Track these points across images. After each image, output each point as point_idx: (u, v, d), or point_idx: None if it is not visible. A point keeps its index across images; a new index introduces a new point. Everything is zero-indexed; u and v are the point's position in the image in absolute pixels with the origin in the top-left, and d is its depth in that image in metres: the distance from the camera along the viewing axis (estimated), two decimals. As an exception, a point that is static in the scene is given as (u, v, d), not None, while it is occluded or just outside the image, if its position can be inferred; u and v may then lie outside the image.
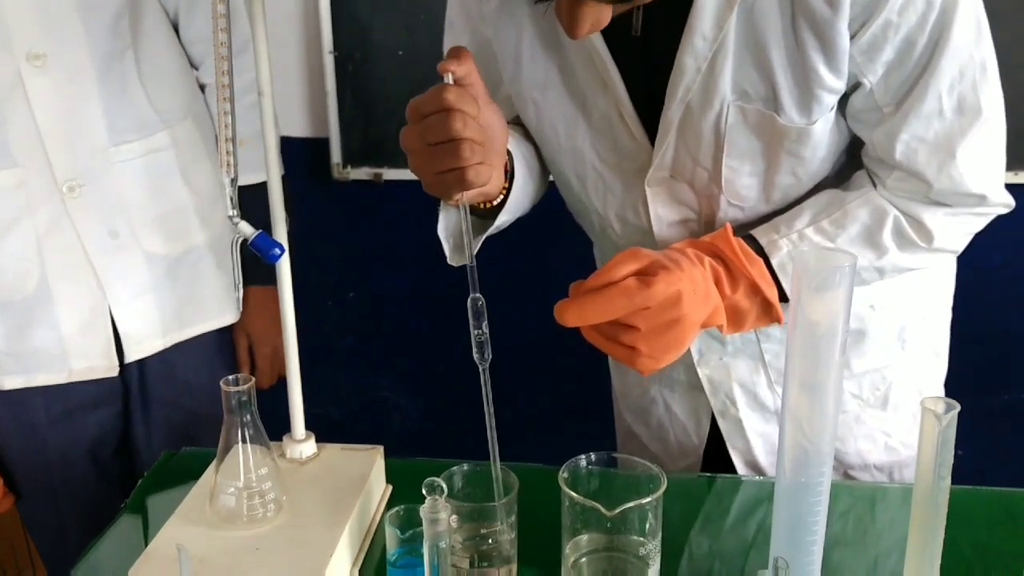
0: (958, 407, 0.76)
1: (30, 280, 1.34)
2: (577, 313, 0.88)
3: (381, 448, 1.07)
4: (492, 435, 0.88)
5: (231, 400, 0.93)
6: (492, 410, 0.87)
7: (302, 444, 1.06)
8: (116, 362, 1.42)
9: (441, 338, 2.34)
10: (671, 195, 1.04)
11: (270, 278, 1.51)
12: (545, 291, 0.99)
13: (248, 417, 0.94)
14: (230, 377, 0.94)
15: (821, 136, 0.98)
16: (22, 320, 1.36)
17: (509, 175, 1.00)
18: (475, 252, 0.90)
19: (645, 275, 0.88)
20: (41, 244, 1.33)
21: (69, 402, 1.43)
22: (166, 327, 1.46)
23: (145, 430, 1.51)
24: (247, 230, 0.96)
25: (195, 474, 1.03)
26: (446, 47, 1.02)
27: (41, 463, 1.45)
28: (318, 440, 1.08)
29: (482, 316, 0.86)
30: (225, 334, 1.57)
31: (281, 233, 1.00)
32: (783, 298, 0.96)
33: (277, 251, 0.96)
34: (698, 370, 1.14)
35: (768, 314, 0.96)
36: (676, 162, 1.02)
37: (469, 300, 0.85)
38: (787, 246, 0.98)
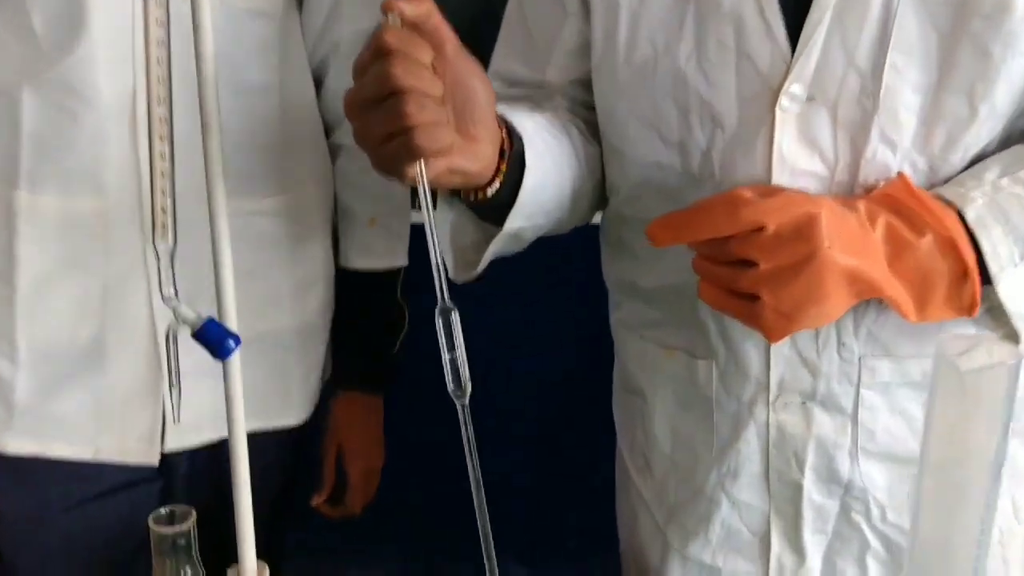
0: None
1: (84, 332, 1.12)
2: (666, 227, 0.74)
3: None
4: (479, 497, 0.66)
5: (164, 544, 0.74)
6: (477, 461, 0.65)
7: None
8: (158, 447, 1.17)
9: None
10: (805, 129, 0.79)
11: (379, 386, 1.32)
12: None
13: (187, 569, 0.74)
14: (163, 510, 0.76)
15: (1020, 27, 0.75)
16: (60, 375, 1.13)
17: (511, 158, 0.79)
18: (480, 266, 0.72)
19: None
20: (108, 293, 1.11)
21: (92, 486, 1.17)
22: (215, 420, 1.18)
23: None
24: (189, 316, 0.76)
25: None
26: None
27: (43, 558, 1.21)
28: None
29: (455, 334, 0.65)
30: (288, 436, 1.31)
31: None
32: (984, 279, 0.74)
33: (231, 343, 0.76)
34: (769, 412, 0.87)
35: (961, 289, 0.73)
36: (823, 68, 0.78)
37: (438, 311, 0.65)
38: (982, 198, 0.74)
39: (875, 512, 0.87)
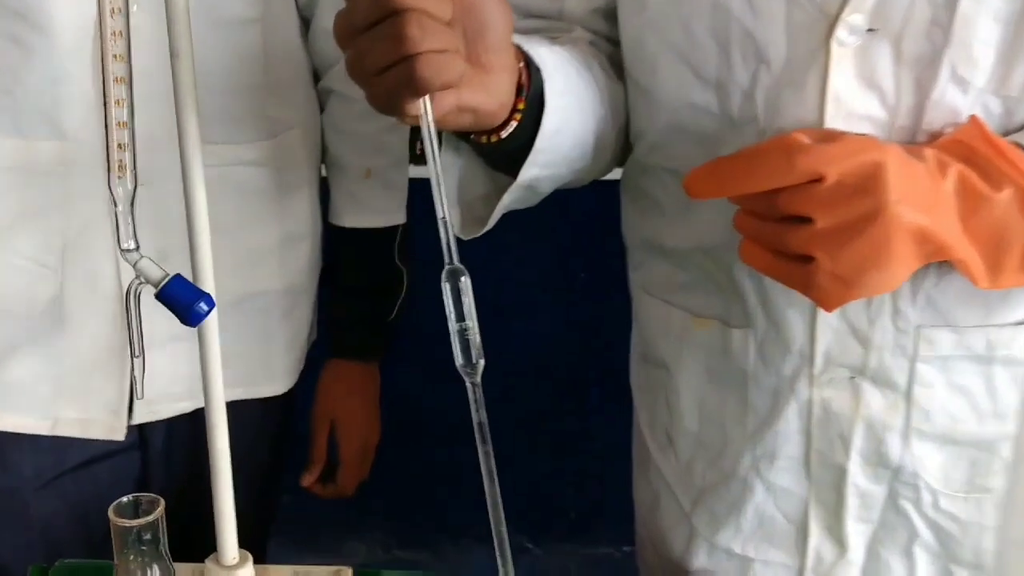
0: None
1: (43, 292, 1.01)
2: (708, 177, 0.66)
3: (349, 571, 0.75)
4: (493, 495, 0.56)
5: (127, 537, 0.65)
6: (490, 448, 0.56)
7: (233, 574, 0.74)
8: (124, 420, 1.06)
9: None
10: (863, 66, 0.68)
11: (375, 353, 1.22)
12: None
13: (153, 568, 0.65)
14: (126, 499, 0.66)
15: None
16: (15, 339, 1.02)
17: (529, 96, 0.68)
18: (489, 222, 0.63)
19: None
20: (69, 248, 0.99)
21: (67, 459, 1.07)
22: (192, 388, 1.07)
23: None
24: (153, 273, 0.65)
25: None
26: None
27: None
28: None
29: (464, 300, 0.55)
30: (272, 404, 1.20)
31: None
32: None
33: (203, 306, 0.64)
34: (812, 389, 0.77)
35: None
36: None
37: (445, 273, 0.55)
38: None
39: (926, 499, 0.78)
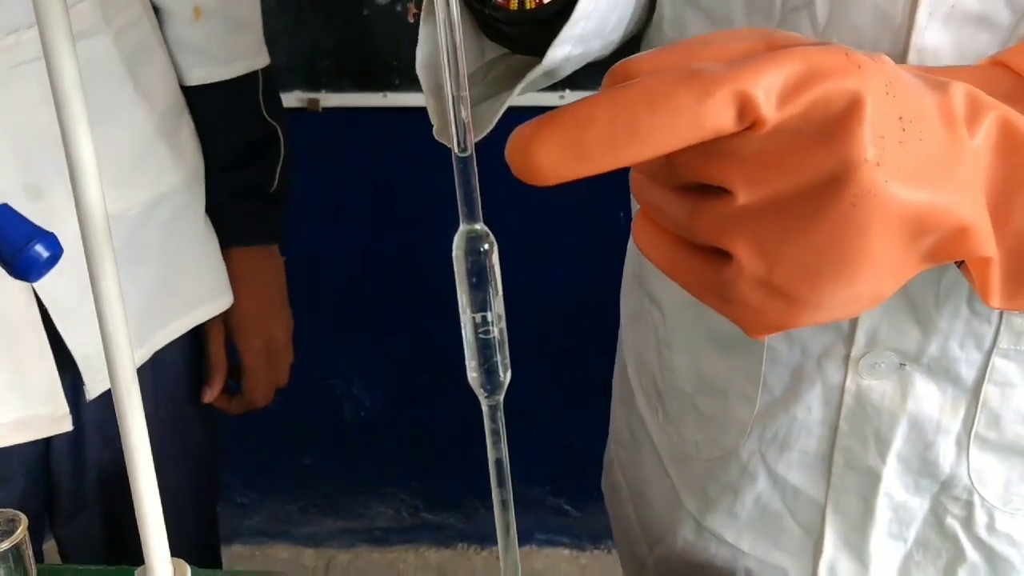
0: None
1: None
2: (560, 146, 0.33)
3: None
4: (505, 522, 0.38)
5: None
6: (509, 496, 0.37)
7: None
8: (65, 407, 0.86)
9: (402, 311, 1.85)
10: None
11: (265, 234, 1.05)
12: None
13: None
14: None
15: None
16: None
17: None
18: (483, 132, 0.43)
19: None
20: None
21: None
22: (143, 329, 0.91)
23: (73, 505, 0.98)
24: None
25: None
26: None
27: None
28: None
29: (489, 281, 0.35)
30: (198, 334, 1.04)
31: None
32: None
33: (40, 251, 0.42)
34: (848, 373, 0.61)
35: None
36: None
37: (459, 237, 0.35)
38: None
39: (980, 519, 0.63)
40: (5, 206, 0.42)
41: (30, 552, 0.47)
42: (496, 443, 0.36)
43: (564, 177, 0.33)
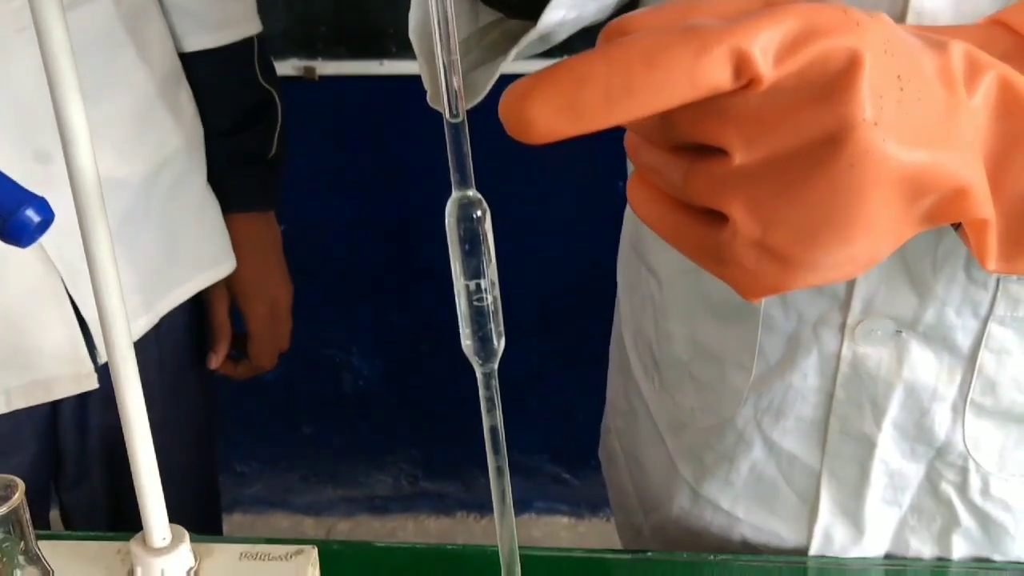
0: None
1: None
2: (556, 107, 0.32)
3: (313, 552, 0.57)
4: (502, 492, 0.39)
5: None
6: (504, 463, 0.37)
7: (163, 558, 0.56)
8: (90, 365, 0.88)
9: (400, 279, 1.84)
10: None
11: (265, 199, 1.05)
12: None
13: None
14: None
15: None
16: None
17: None
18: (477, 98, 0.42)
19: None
20: None
21: None
22: (147, 295, 0.92)
23: (78, 471, 0.98)
24: None
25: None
26: None
27: None
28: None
29: (482, 248, 0.35)
30: (200, 300, 1.04)
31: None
32: None
33: (31, 215, 0.41)
34: (844, 341, 0.61)
35: None
36: None
37: (451, 204, 0.35)
38: None
39: (975, 484, 0.63)
40: (-3, 174, 0.41)
41: (27, 518, 0.47)
42: (491, 410, 0.36)
43: (558, 135, 0.33)
